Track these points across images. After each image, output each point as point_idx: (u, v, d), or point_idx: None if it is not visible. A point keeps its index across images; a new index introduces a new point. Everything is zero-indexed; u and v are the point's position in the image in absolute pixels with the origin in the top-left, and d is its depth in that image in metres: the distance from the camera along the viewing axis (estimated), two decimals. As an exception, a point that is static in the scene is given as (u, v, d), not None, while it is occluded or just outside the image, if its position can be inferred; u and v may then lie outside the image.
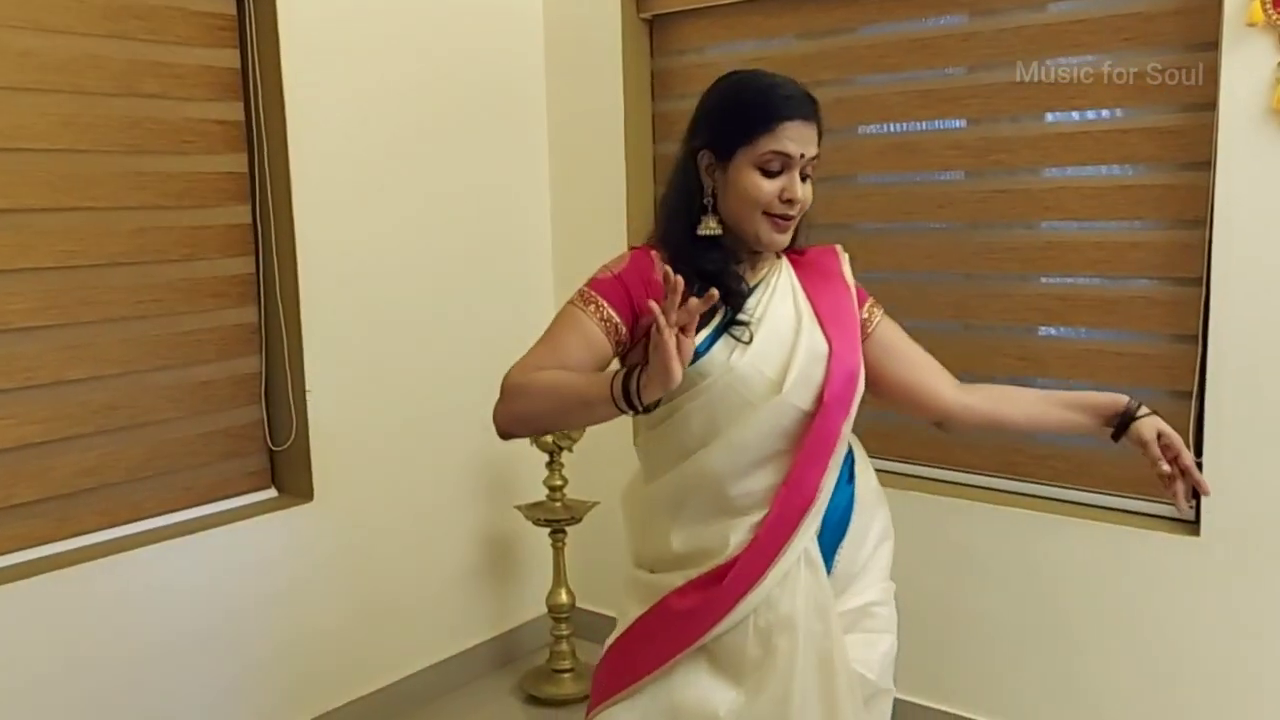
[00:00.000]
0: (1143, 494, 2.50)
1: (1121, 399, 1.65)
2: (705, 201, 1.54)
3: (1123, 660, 2.48)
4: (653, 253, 1.57)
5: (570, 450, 3.01)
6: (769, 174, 1.50)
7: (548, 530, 3.07)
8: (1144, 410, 1.63)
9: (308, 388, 2.72)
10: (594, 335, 1.51)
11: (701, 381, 1.51)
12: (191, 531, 2.55)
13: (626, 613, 1.64)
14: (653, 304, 1.29)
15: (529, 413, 1.49)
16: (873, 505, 1.67)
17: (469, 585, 3.20)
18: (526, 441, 3.01)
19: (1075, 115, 2.49)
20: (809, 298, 1.60)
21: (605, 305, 1.51)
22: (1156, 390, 2.46)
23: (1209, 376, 2.32)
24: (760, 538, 1.52)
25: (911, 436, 2.82)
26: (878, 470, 1.76)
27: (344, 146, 2.75)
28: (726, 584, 1.51)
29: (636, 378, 1.36)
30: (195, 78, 2.55)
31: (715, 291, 1.32)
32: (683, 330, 1.30)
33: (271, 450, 2.79)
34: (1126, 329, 2.50)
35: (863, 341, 1.65)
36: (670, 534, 1.59)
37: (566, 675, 3.09)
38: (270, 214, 2.68)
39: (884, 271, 2.81)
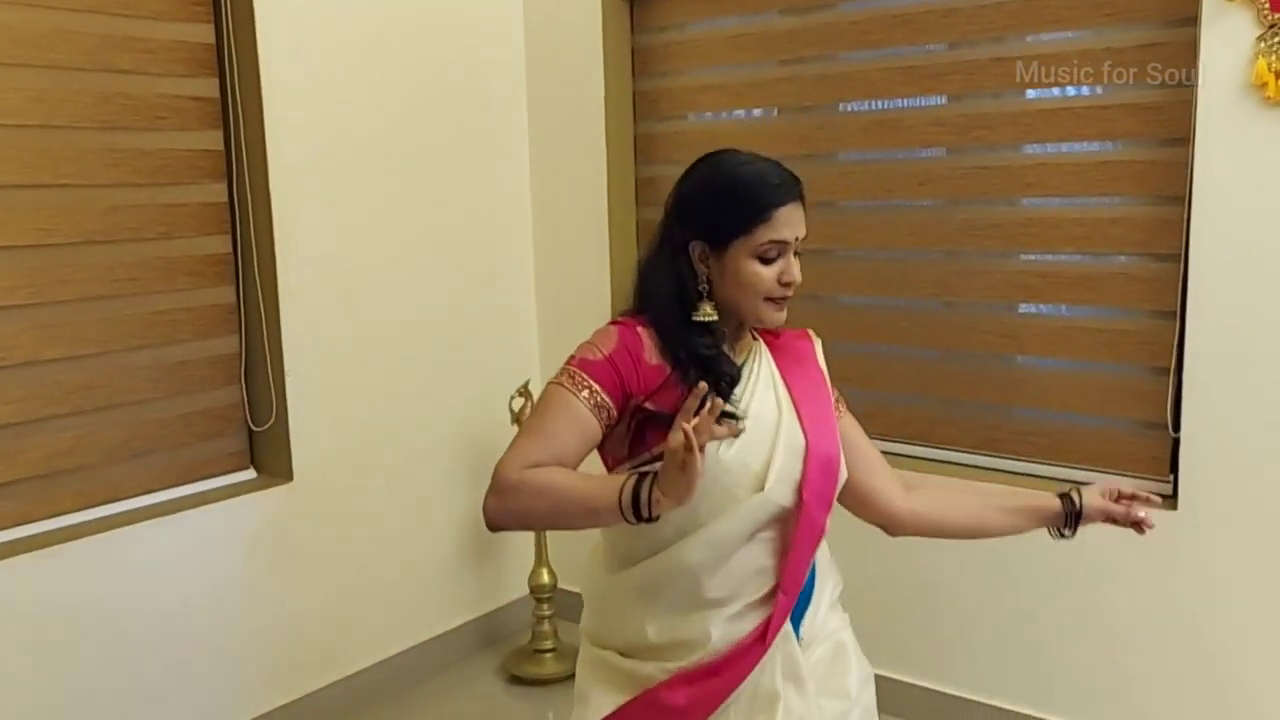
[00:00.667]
0: (1121, 469, 2.52)
1: (1056, 503, 1.67)
2: (701, 289, 1.54)
3: (1102, 633, 2.51)
4: (639, 329, 1.54)
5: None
6: (766, 261, 1.51)
7: (530, 510, 3.06)
8: (1077, 495, 1.66)
9: (287, 368, 2.70)
10: (586, 421, 1.48)
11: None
12: (170, 512, 2.53)
13: (592, 696, 1.61)
14: (685, 426, 1.28)
15: (525, 511, 1.46)
16: (826, 570, 1.67)
17: (451, 566, 3.19)
18: (508, 420, 3.01)
19: (1056, 91, 2.49)
20: (787, 386, 1.59)
21: (599, 391, 1.48)
22: (1135, 365, 2.48)
23: (1187, 352, 2.33)
24: (755, 635, 1.52)
25: (891, 415, 2.83)
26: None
27: (322, 124, 2.72)
28: (722, 680, 1.51)
29: (649, 489, 1.34)
30: (169, 53, 2.51)
31: (741, 426, 1.36)
32: (700, 446, 1.29)
33: (251, 431, 2.76)
34: (1106, 305, 2.51)
35: None
36: (645, 623, 1.56)
37: (549, 655, 3.09)
38: (247, 192, 2.65)
39: (866, 249, 2.81)
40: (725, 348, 1.58)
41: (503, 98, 3.22)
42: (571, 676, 1.70)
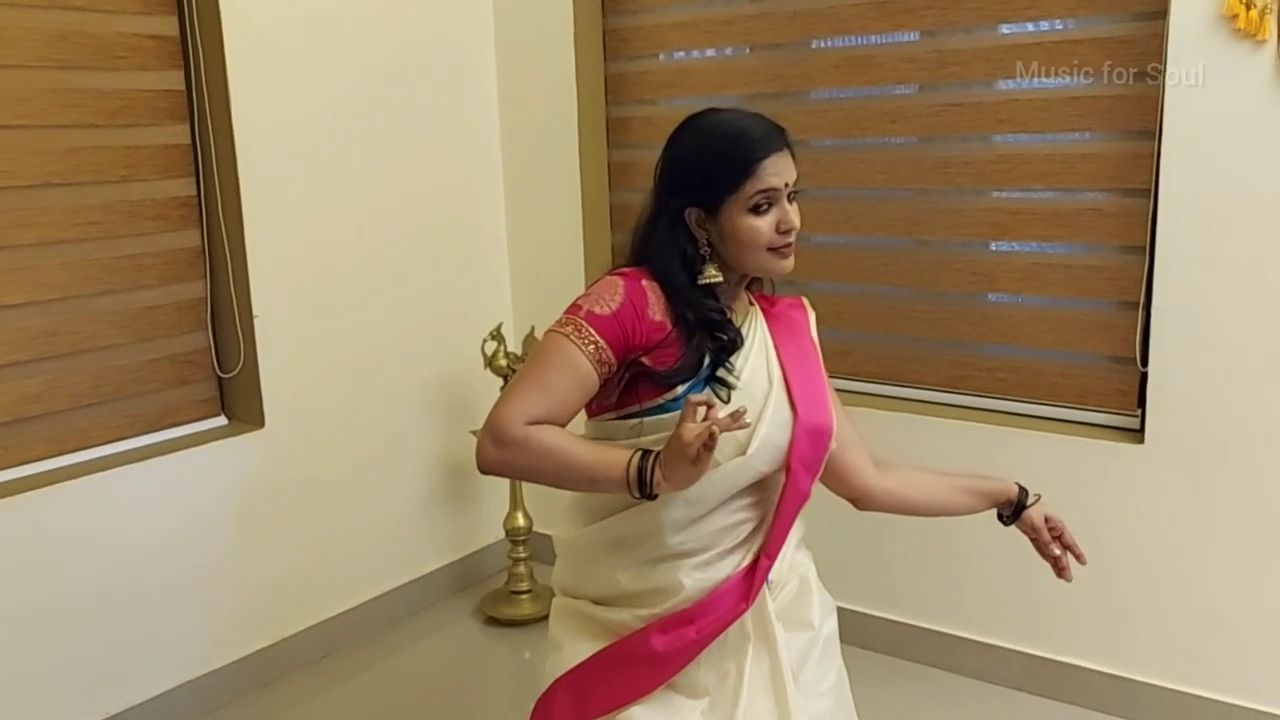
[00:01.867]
0: (1089, 404, 2.55)
1: (1013, 488, 1.75)
2: (703, 253, 1.54)
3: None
4: (644, 282, 1.53)
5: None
6: (761, 213, 1.51)
7: (504, 454, 3.07)
8: (1033, 498, 1.75)
9: (255, 312, 2.67)
10: (587, 375, 1.47)
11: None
12: (141, 459, 2.51)
13: (566, 643, 1.63)
14: (711, 426, 1.31)
15: (525, 467, 1.47)
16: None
17: (426, 510, 3.20)
18: (480, 364, 3.00)
19: (1028, 26, 2.47)
20: (779, 357, 1.60)
21: (605, 347, 1.47)
22: (1105, 301, 2.49)
23: (1156, 287, 2.35)
24: (730, 588, 1.54)
25: (862, 354, 2.84)
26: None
27: (286, 61, 2.67)
28: (700, 630, 1.52)
29: (652, 469, 1.38)
30: (125, -11, 2.45)
31: (747, 421, 1.39)
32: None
33: (220, 377, 2.74)
34: (1076, 241, 2.52)
35: None
36: (617, 573, 1.59)
37: (525, 596, 3.12)
38: (210, 133, 2.60)
39: (838, 187, 2.80)
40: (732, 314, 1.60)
41: (470, 37, 3.16)
42: (547, 617, 1.71)
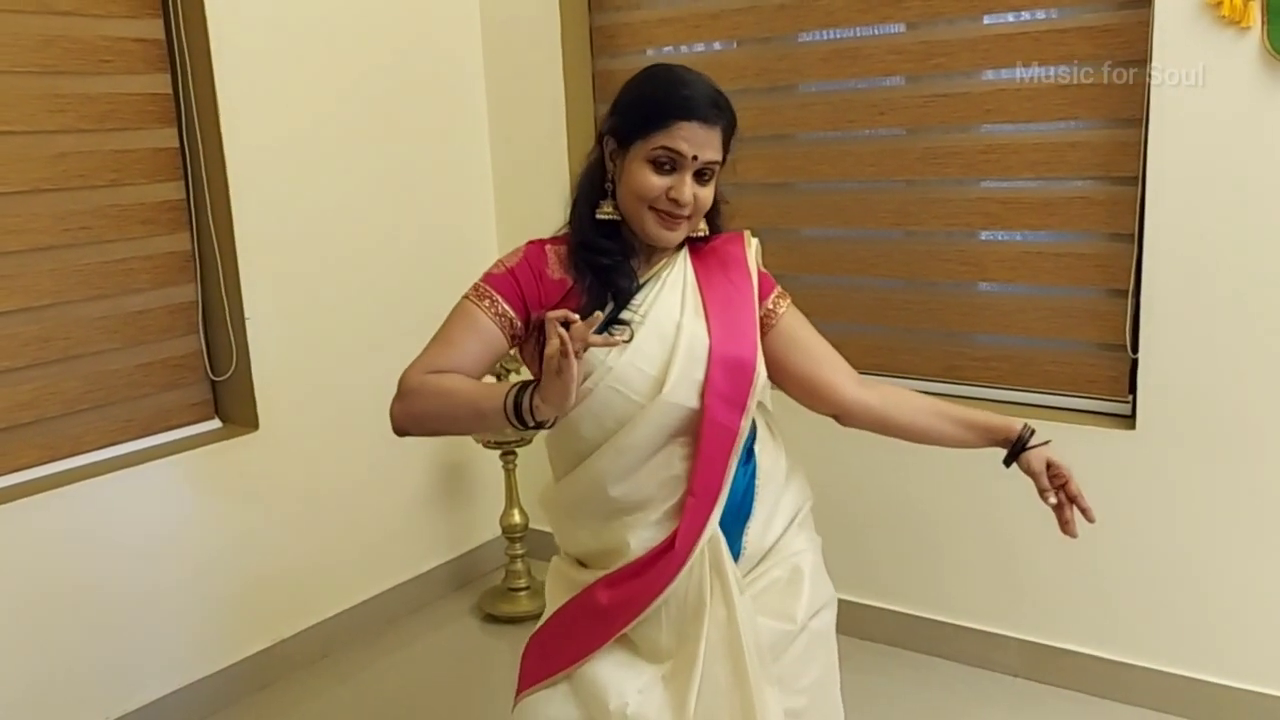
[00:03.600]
0: (1080, 391, 2.56)
1: (1016, 425, 1.66)
2: (606, 186, 1.57)
3: (1061, 552, 2.56)
4: (547, 246, 1.60)
5: (518, 373, 2.99)
6: (660, 170, 1.50)
7: (498, 453, 3.07)
8: (1036, 439, 1.65)
9: (246, 315, 2.66)
10: (488, 330, 1.53)
11: (583, 384, 1.48)
12: (136, 464, 2.51)
13: (551, 600, 1.69)
14: (561, 330, 1.27)
15: (423, 413, 1.51)
16: (780, 482, 1.66)
17: (423, 509, 3.20)
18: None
19: (1011, 17, 2.48)
20: (700, 290, 1.59)
21: (499, 300, 1.54)
22: (1094, 288, 2.50)
23: (1144, 274, 2.36)
24: (672, 541, 1.53)
25: (854, 345, 2.84)
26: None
27: (272, 62, 2.66)
28: (643, 583, 1.53)
29: (530, 395, 1.37)
30: (110, -7, 2.44)
31: (622, 335, 1.43)
32: (576, 353, 1.29)
33: (213, 380, 2.74)
34: (1065, 230, 2.53)
35: (765, 334, 1.64)
36: (577, 532, 1.64)
37: (523, 593, 3.12)
38: (198, 136, 2.59)
39: (827, 180, 2.81)
40: (639, 257, 1.60)
41: (457, 35, 3.16)
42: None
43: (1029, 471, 1.65)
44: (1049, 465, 1.64)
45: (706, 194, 1.54)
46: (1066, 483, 1.64)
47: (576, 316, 1.30)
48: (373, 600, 3.05)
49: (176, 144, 2.60)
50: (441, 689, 2.80)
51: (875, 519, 2.75)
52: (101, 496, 2.43)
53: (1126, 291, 2.44)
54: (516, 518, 3.11)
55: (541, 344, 1.49)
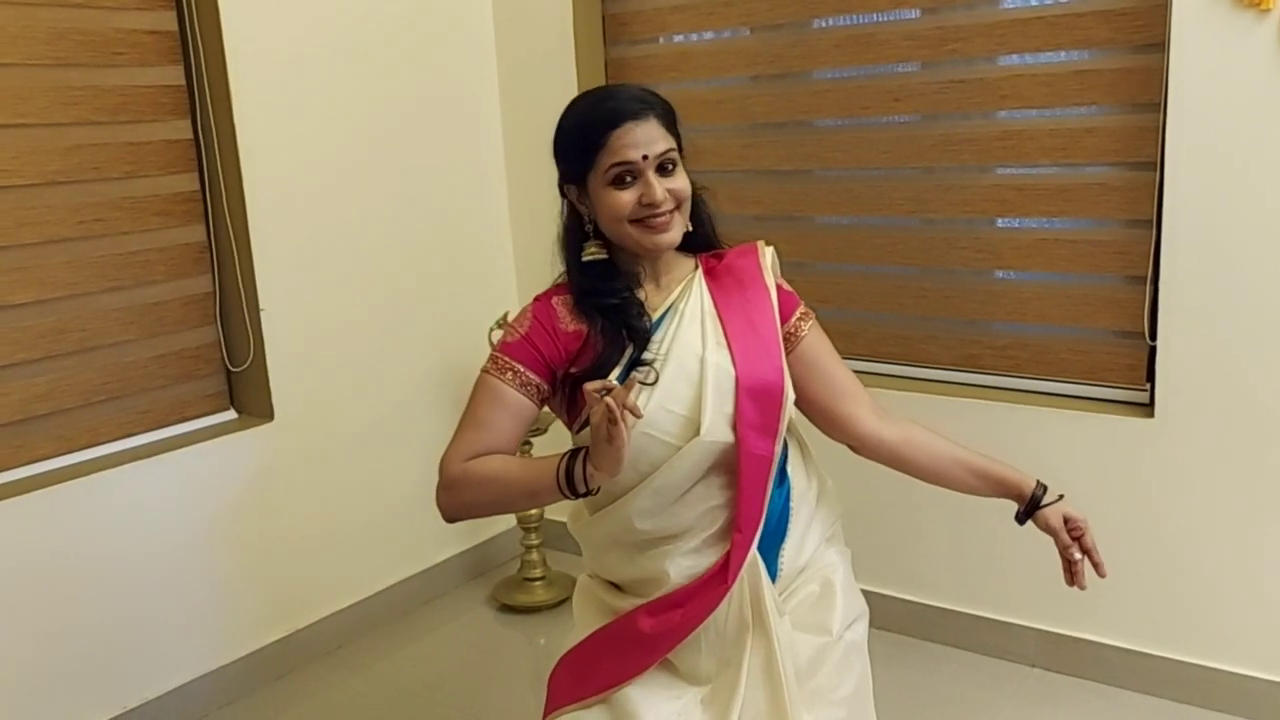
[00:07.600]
0: (1098, 379, 2.54)
1: (1030, 483, 1.64)
2: (587, 229, 1.56)
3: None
4: (553, 300, 1.59)
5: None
6: (623, 185, 1.50)
7: (513, 442, 3.07)
8: (1050, 497, 1.63)
9: (262, 306, 2.67)
10: (516, 402, 1.53)
11: None
12: (152, 455, 2.52)
13: (578, 622, 1.67)
14: (609, 401, 1.27)
15: (474, 502, 1.53)
16: (813, 502, 1.66)
17: (437, 500, 3.20)
18: (487, 352, 2.99)
19: (1030, 0, 2.46)
20: (720, 317, 1.57)
21: (522, 369, 1.54)
22: (1112, 275, 2.48)
23: (1163, 261, 2.33)
24: (719, 573, 1.52)
25: (872, 334, 2.84)
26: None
27: (287, 54, 2.66)
28: (686, 613, 1.52)
29: (581, 465, 1.38)
30: (123, -15, 2.44)
31: (645, 378, 1.42)
32: (622, 418, 1.29)
33: (229, 371, 2.74)
34: (1082, 216, 2.50)
35: (787, 355, 1.60)
36: (614, 561, 1.63)
37: (538, 583, 3.12)
38: (212, 128, 2.59)
39: (842, 168, 2.79)
40: (646, 288, 1.58)
41: (470, 25, 3.15)
42: (560, 602, 1.73)
43: (1047, 529, 1.64)
44: (1066, 520, 1.63)
45: (678, 183, 1.52)
46: (1083, 535, 1.63)
47: (615, 383, 1.32)
48: (388, 590, 3.06)
49: (190, 136, 2.60)
50: (457, 679, 2.80)
51: (892, 508, 2.74)
52: (118, 488, 2.44)
53: (1145, 278, 2.41)
54: (532, 509, 3.11)
55: (569, 395, 1.53)
